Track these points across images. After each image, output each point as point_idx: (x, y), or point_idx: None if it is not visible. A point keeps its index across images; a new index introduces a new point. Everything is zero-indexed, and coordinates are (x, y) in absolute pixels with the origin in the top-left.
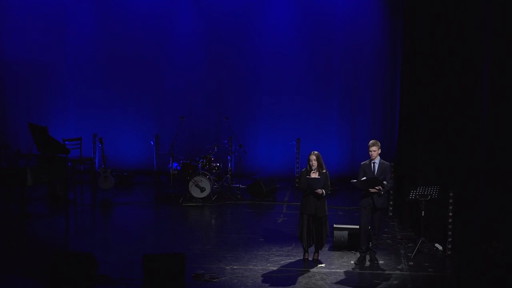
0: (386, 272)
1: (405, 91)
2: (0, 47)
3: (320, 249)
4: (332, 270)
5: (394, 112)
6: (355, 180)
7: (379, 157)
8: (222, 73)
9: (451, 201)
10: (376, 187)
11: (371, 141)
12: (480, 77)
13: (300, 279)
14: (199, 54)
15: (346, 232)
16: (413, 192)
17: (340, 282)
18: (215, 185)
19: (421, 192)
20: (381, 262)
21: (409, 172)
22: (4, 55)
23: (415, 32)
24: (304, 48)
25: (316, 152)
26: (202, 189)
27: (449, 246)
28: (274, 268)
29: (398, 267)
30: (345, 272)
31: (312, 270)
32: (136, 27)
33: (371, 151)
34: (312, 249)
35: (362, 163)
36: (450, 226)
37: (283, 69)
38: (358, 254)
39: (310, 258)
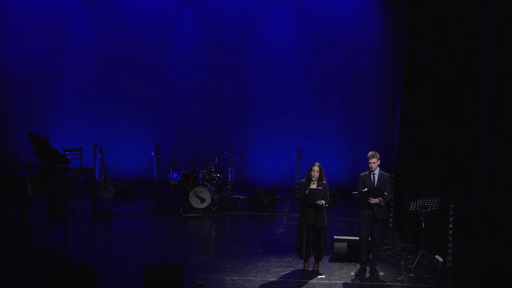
0: (386, 283)
1: (406, 101)
2: (1, 56)
3: (320, 260)
4: (332, 282)
5: (394, 123)
6: (356, 192)
7: (378, 168)
8: (222, 83)
9: (451, 212)
10: (377, 198)
11: (370, 153)
12: (480, 84)
13: None
14: (199, 64)
15: (346, 243)
16: (413, 204)
17: None
18: (215, 195)
19: (422, 203)
20: (381, 273)
21: (410, 183)
22: (4, 64)
23: (415, 37)
24: (304, 58)
25: (318, 163)
26: (202, 200)
27: (450, 258)
28: (274, 279)
29: (398, 278)
30: (345, 283)
31: (312, 281)
32: (137, 37)
33: (370, 163)
34: (311, 260)
35: (362, 174)
36: (450, 238)
37: (284, 79)
38: (358, 266)
39: (310, 269)
